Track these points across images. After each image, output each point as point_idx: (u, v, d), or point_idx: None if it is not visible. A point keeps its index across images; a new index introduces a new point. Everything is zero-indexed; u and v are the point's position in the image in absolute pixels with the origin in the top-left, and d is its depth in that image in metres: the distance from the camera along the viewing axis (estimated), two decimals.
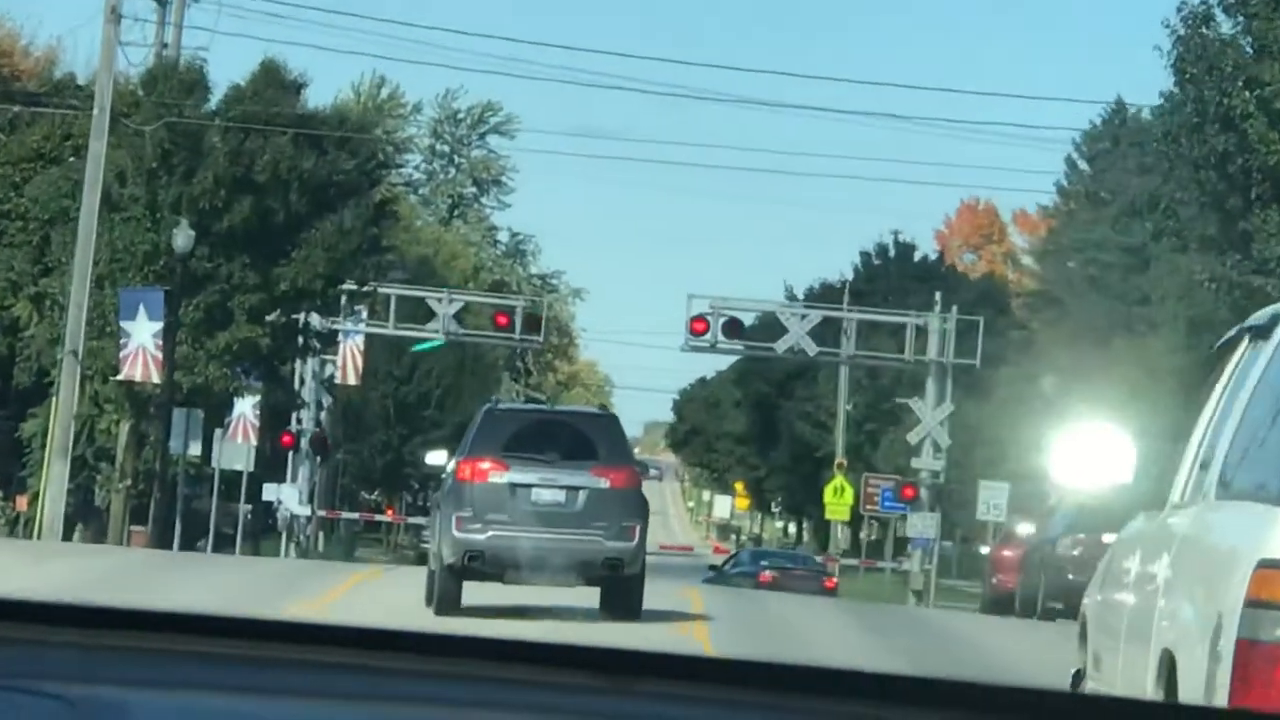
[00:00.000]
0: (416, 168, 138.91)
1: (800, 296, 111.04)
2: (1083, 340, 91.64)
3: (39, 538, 61.42)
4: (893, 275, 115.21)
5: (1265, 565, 7.97)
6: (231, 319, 66.47)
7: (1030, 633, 42.25)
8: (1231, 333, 10.88)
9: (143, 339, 61.19)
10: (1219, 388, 10.48)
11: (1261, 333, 9.97)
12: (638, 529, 31.63)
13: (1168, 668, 9.43)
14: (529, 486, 30.67)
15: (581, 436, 31.97)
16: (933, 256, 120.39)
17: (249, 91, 70.10)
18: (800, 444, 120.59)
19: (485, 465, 31.05)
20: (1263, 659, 8.10)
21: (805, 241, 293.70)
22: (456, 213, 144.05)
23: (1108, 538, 13.50)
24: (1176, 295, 73.73)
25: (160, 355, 61.61)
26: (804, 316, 77.84)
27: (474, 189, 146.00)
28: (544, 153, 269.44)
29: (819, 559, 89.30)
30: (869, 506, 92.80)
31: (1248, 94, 46.79)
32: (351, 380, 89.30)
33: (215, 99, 69.50)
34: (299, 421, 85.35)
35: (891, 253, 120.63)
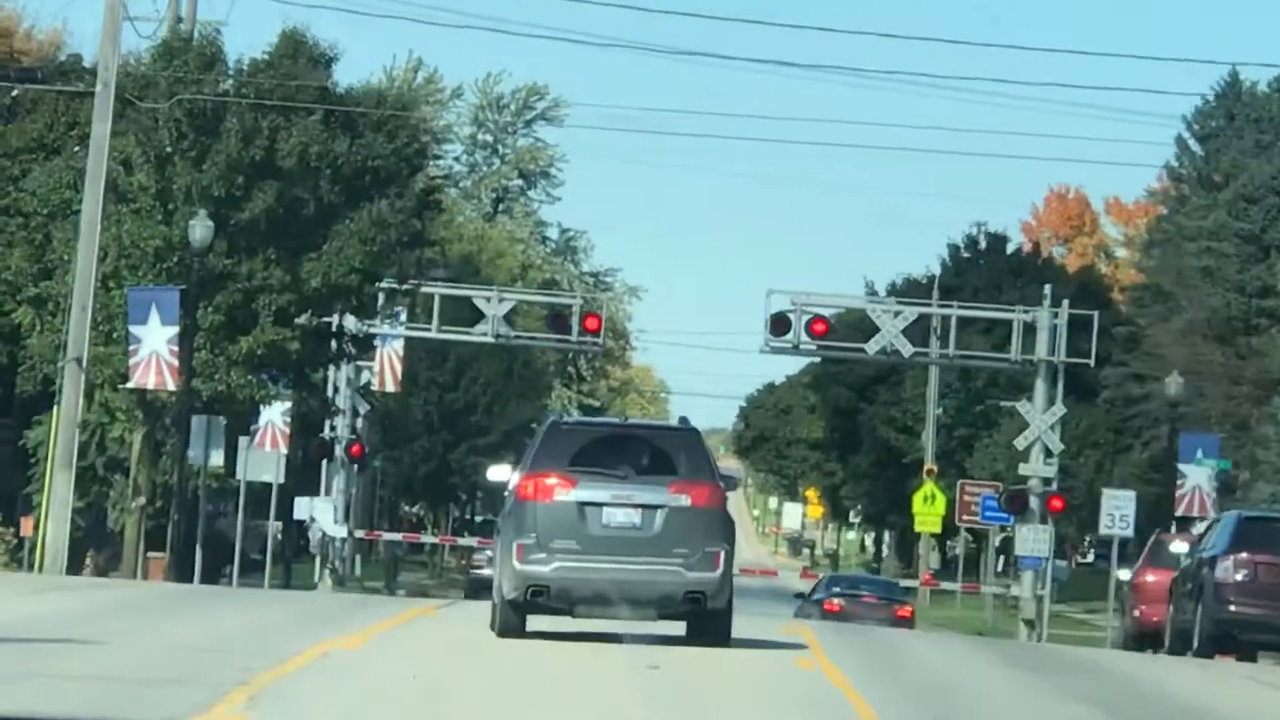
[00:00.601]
0: (457, 159, 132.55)
1: (881, 293, 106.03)
2: (1197, 336, 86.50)
3: (40, 569, 55.13)
4: (983, 269, 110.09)
5: None
6: (256, 321, 60.82)
7: (1225, 678, 34.46)
8: None
9: (155, 344, 55.23)
10: None
11: None
12: (723, 555, 28.43)
13: None
14: (600, 506, 27.80)
15: (658, 451, 29.01)
16: (1024, 249, 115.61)
17: (270, 64, 63.90)
18: (884, 449, 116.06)
19: (550, 481, 28.08)
20: None
21: (881, 232, 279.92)
22: (501, 207, 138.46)
23: None
24: None
25: (176, 362, 55.77)
26: (897, 314, 71.17)
27: (520, 181, 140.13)
28: (594, 129, 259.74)
29: (901, 584, 79.63)
30: (965, 517, 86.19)
31: None
32: (390, 387, 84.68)
33: (233, 75, 63.40)
34: (332, 429, 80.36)
35: (981, 244, 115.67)
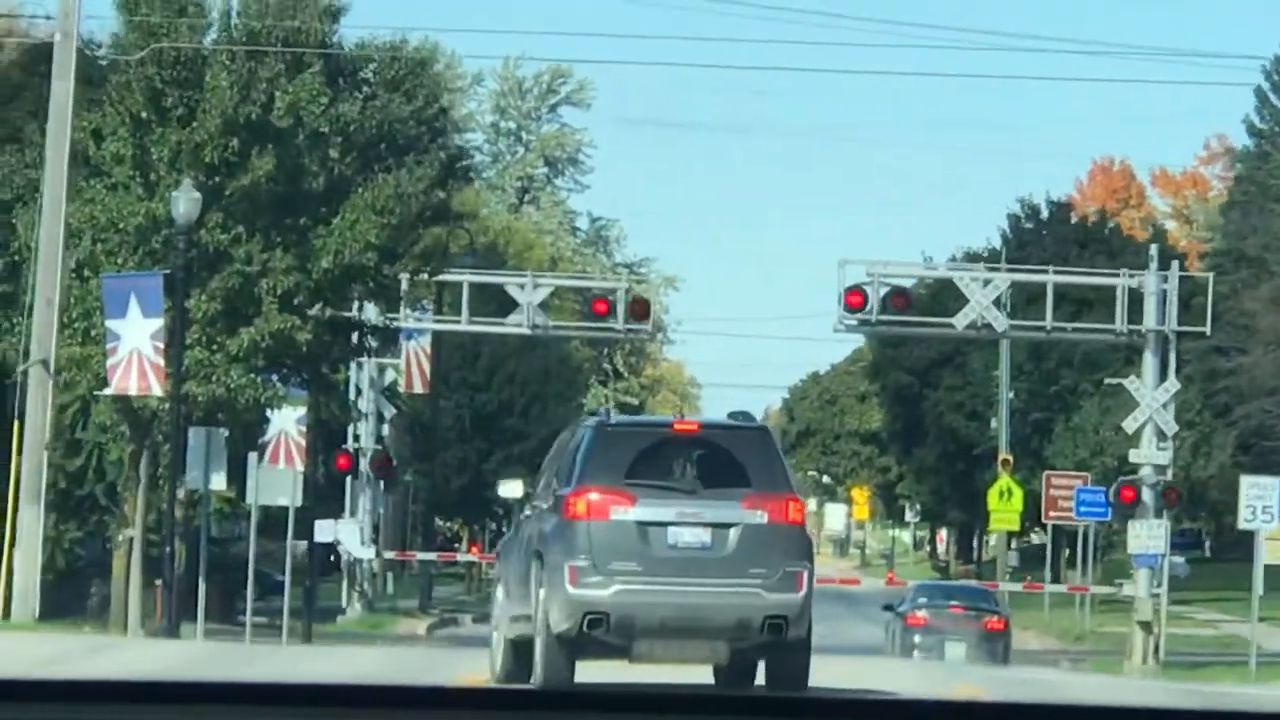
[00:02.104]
0: (479, 148, 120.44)
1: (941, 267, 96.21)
2: None
3: (7, 615, 46.24)
4: (1047, 240, 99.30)
5: None
6: (258, 309, 51.58)
7: None
8: None
9: (137, 340, 46.66)
10: None
11: None
12: (805, 576, 25.80)
13: None
14: (664, 525, 25.01)
15: (726, 456, 25.90)
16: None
17: (271, 18, 54.95)
18: (951, 439, 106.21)
19: (604, 498, 25.12)
20: None
21: (928, 203, 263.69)
22: (527, 197, 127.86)
23: None
24: None
25: (161, 361, 47.23)
26: (987, 283, 61.36)
27: (546, 169, 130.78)
28: (623, 122, 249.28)
29: (991, 590, 70.95)
30: (1054, 513, 76.56)
31: None
32: (418, 388, 75.83)
33: (218, 21, 53.66)
34: (356, 439, 72.39)
35: (1044, 214, 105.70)
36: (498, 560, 31.24)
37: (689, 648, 25.13)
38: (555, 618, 24.90)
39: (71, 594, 55.01)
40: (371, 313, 59.28)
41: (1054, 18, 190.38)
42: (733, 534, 25.02)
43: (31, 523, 45.27)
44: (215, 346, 50.98)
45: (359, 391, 70.62)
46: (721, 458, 25.88)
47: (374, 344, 62.64)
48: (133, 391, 47.36)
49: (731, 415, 29.07)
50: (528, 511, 28.76)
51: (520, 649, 27.03)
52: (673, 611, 24.77)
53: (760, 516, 25.13)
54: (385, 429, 78.44)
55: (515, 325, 65.67)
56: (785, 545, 25.50)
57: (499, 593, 29.24)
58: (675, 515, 24.97)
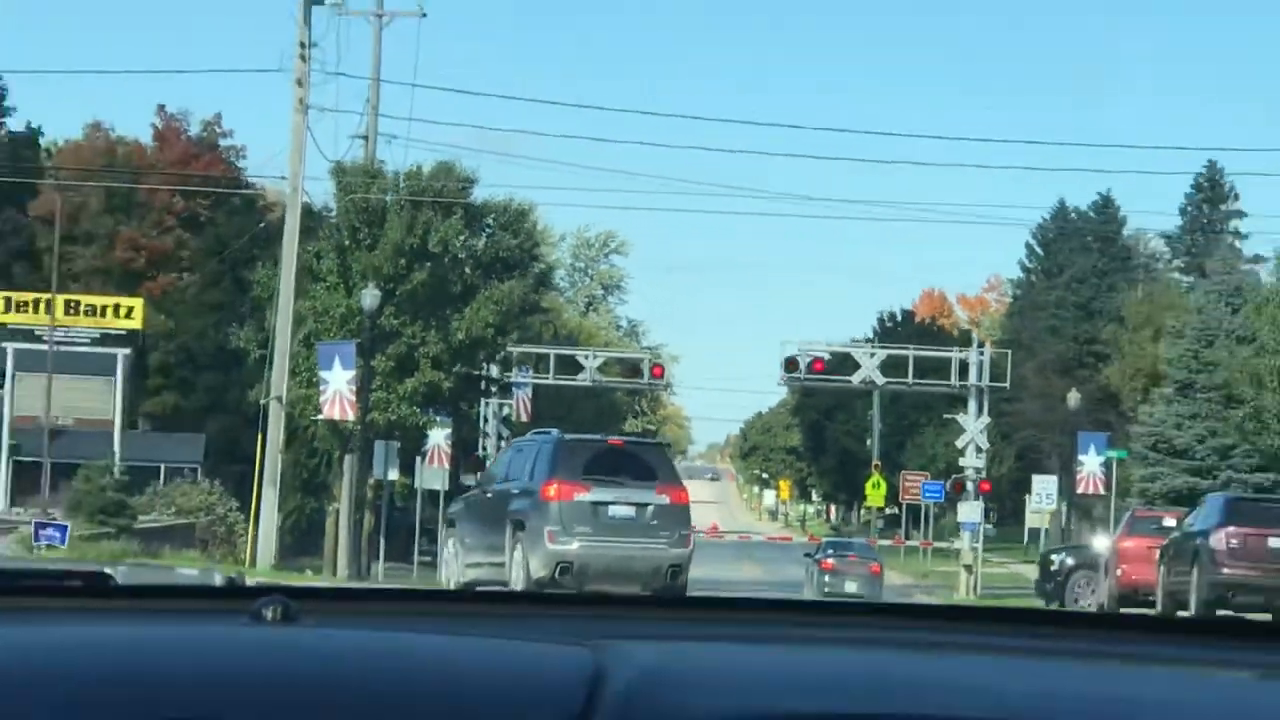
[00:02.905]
0: (561, 276, 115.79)
1: (858, 334, 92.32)
2: (1047, 371, 74.57)
3: (253, 564, 40.66)
4: (903, 331, 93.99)
5: None
6: (417, 367, 45.39)
7: None
8: None
9: (339, 385, 40.10)
10: None
11: None
12: (690, 538, 24.41)
13: None
14: (607, 504, 23.17)
15: (641, 461, 24.32)
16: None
17: (426, 182, 47.48)
18: (844, 452, 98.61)
19: (569, 487, 23.11)
20: None
21: (831, 307, 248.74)
22: (590, 308, 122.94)
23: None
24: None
25: (353, 398, 40.94)
26: (873, 355, 55.70)
27: (602, 291, 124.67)
28: (650, 264, 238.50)
29: (871, 545, 65.72)
30: (907, 496, 69.88)
31: None
32: (523, 418, 68.62)
33: (400, 185, 46.72)
34: (484, 449, 62.40)
35: (900, 316, 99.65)
36: (451, 525, 27.22)
37: (622, 585, 22.73)
38: (534, 566, 22.69)
39: (301, 548, 49.91)
40: (494, 371, 53.75)
41: (894, 186, 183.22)
42: (649, 510, 23.47)
43: (270, 499, 39.91)
44: (390, 390, 44.78)
45: (485, 420, 62.47)
46: (638, 462, 24.36)
47: (494, 390, 57.23)
48: (336, 418, 41.88)
49: (640, 438, 27.80)
50: (475, 494, 26.33)
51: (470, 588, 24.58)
52: (613, 561, 22.89)
53: (664, 499, 23.67)
54: (502, 444, 72.58)
55: (582, 380, 60.02)
56: (679, 518, 23.97)
57: (451, 547, 26.48)
58: (614, 497, 23.34)
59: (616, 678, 1.10)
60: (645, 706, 1.07)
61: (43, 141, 63.04)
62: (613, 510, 23.23)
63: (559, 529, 22.61)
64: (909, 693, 1.21)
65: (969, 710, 1.21)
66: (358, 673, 1.37)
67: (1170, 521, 32.33)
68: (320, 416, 42.48)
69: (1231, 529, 26.39)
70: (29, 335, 51.77)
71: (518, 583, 23.35)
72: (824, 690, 1.19)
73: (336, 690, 1.36)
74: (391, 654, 1.39)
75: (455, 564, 25.75)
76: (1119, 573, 33.76)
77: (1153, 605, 29.03)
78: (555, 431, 27.04)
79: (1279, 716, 1.41)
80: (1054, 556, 43.03)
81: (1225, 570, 25.96)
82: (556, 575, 22.65)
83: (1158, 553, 29.56)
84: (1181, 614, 26.21)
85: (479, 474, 29.37)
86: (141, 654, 1.48)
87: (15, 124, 59.97)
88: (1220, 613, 25.03)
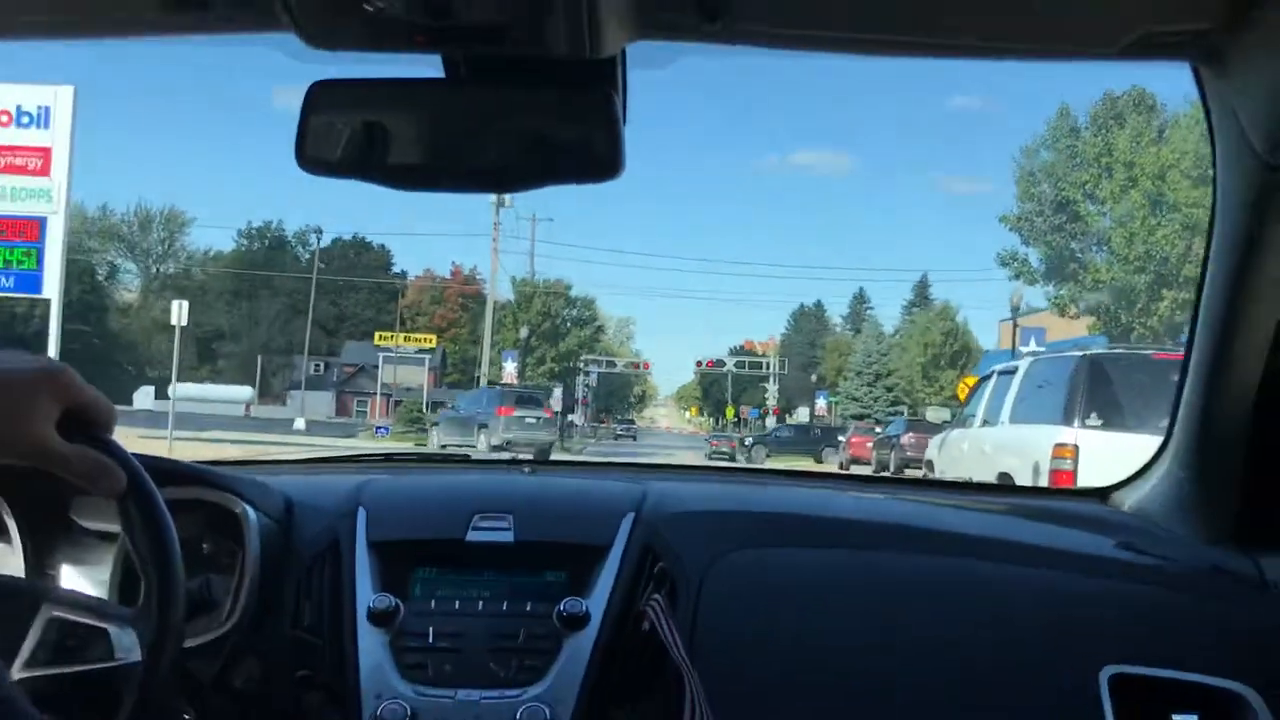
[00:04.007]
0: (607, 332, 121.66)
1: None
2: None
3: None
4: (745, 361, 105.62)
5: (1058, 444, 6.88)
6: (544, 362, 66.62)
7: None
8: (999, 367, 9.29)
9: (510, 370, 58.42)
10: (989, 389, 8.86)
11: (1008, 371, 8.70)
12: (558, 431, 30.02)
13: (1006, 478, 7.59)
14: (524, 418, 26.93)
15: (536, 399, 28.84)
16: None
17: (550, 285, 68.35)
18: (719, 400, 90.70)
19: (508, 408, 27.11)
20: (1059, 478, 6.86)
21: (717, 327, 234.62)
22: (620, 342, 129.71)
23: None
24: None
25: (516, 374, 57.59)
26: (733, 359, 73.10)
27: (623, 334, 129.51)
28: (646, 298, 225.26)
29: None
30: (744, 415, 72.70)
31: None
32: (592, 386, 75.97)
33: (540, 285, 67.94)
34: (577, 398, 71.03)
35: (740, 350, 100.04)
36: (435, 425, 29.97)
37: (526, 450, 22.38)
38: (493, 442, 25.16)
39: None
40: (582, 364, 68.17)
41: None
42: (539, 420, 26.30)
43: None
44: (529, 369, 61.00)
45: (577, 387, 71.77)
46: (535, 399, 27.72)
47: (580, 375, 70.23)
48: (506, 380, 60.03)
49: (536, 388, 33.81)
50: (450, 413, 29.01)
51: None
52: (526, 440, 24.74)
53: (544, 415, 26.79)
54: (589, 394, 77.87)
55: (612, 370, 71.43)
56: (551, 422, 27.22)
57: (438, 434, 28.28)
58: (528, 414, 26.18)
59: (652, 494, 1.50)
60: (663, 506, 1.47)
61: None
62: (528, 419, 26.32)
63: (503, 427, 25.78)
64: (841, 511, 1.56)
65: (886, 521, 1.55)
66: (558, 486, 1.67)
67: (876, 430, 39.56)
68: (501, 382, 67.01)
69: (910, 433, 33.34)
70: (389, 350, 66.45)
71: (481, 453, 22.44)
72: (773, 501, 1.59)
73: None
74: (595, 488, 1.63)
75: (439, 439, 28.20)
76: (848, 455, 45.64)
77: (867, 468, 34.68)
78: (499, 386, 31.33)
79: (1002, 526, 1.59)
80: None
81: (907, 453, 32.38)
82: (502, 446, 24.74)
83: (870, 443, 33.86)
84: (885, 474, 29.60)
85: (451, 403, 31.41)
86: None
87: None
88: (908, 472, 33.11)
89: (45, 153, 17.56)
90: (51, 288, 17.21)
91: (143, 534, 1.16)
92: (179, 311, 20.71)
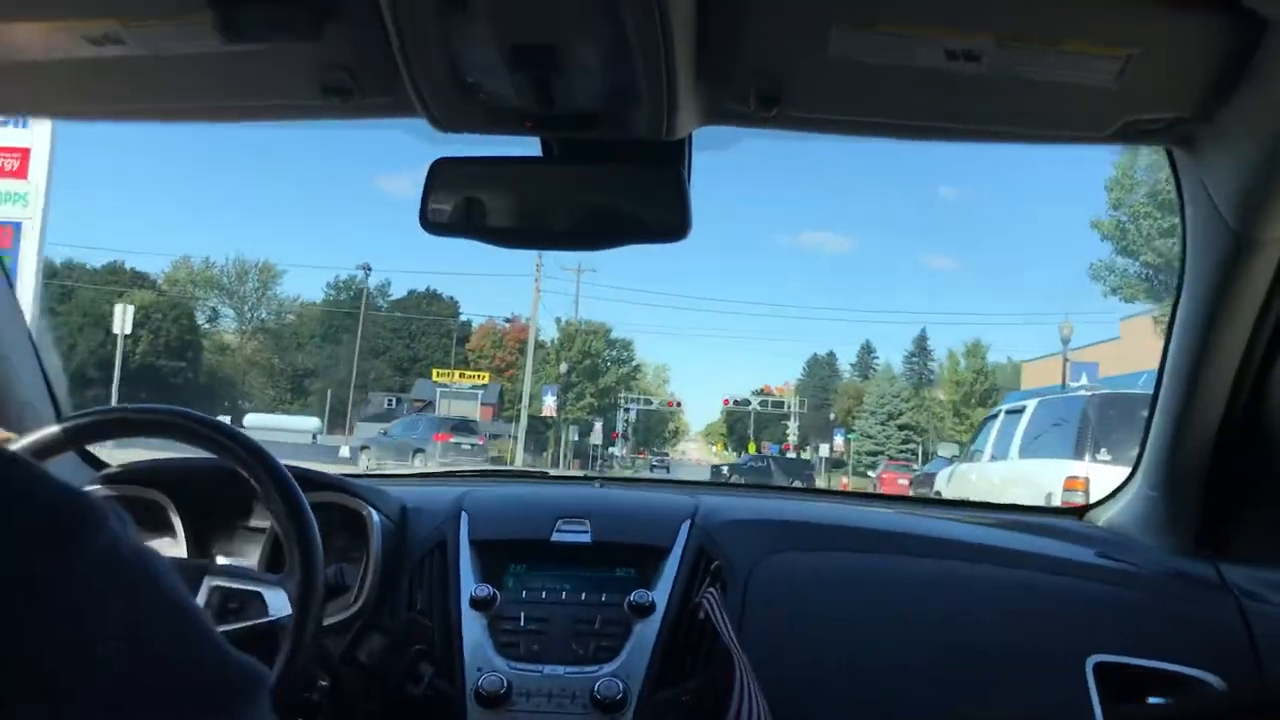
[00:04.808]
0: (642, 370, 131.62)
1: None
2: None
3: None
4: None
5: (1070, 477, 6.78)
6: (583, 396, 71.24)
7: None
8: (1005, 407, 9.24)
9: (550, 404, 63.56)
10: (996, 426, 8.88)
11: (1016, 410, 8.71)
12: (486, 457, 26.91)
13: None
14: (459, 443, 25.15)
15: (473, 426, 27.81)
16: None
17: (591, 325, 74.37)
18: (743, 436, 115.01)
19: (445, 435, 25.57)
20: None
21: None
22: (657, 386, 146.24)
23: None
24: None
25: (555, 407, 64.72)
26: (757, 398, 76.87)
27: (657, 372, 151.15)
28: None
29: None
30: (765, 449, 75.22)
31: None
32: (631, 421, 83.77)
33: (581, 325, 72.68)
34: (617, 429, 75.72)
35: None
36: (364, 448, 27.54)
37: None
38: (430, 468, 21.80)
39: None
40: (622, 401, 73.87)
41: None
42: (475, 445, 24.25)
43: (520, 445, 75.22)
44: (570, 404, 67.94)
45: (618, 421, 77.36)
46: (471, 427, 26.38)
47: (619, 409, 75.31)
48: (545, 414, 63.23)
49: (473, 420, 32.98)
50: (379, 437, 27.16)
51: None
52: (469, 452, 23.17)
53: (480, 442, 24.95)
54: (629, 429, 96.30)
55: (648, 407, 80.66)
56: (483, 447, 25.51)
57: (367, 458, 26.12)
58: (464, 441, 24.39)
59: (704, 505, 1.64)
60: (714, 515, 1.61)
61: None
62: (461, 445, 24.46)
63: (439, 453, 24.29)
64: (863, 522, 1.65)
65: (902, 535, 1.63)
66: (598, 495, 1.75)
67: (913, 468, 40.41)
68: (542, 413, 63.29)
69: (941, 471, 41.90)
70: (446, 386, 69.27)
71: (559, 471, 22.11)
72: (806, 513, 1.70)
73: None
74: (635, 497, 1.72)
75: (367, 463, 25.01)
76: (880, 489, 42.19)
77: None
78: (433, 415, 29.57)
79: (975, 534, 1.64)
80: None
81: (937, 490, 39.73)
82: (451, 457, 23.50)
83: (901, 479, 33.97)
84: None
85: (384, 430, 29.95)
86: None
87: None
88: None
89: (23, 153, 15.29)
90: (24, 300, 14.95)
91: (288, 520, 1.27)
92: (122, 317, 18.74)
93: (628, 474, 20.43)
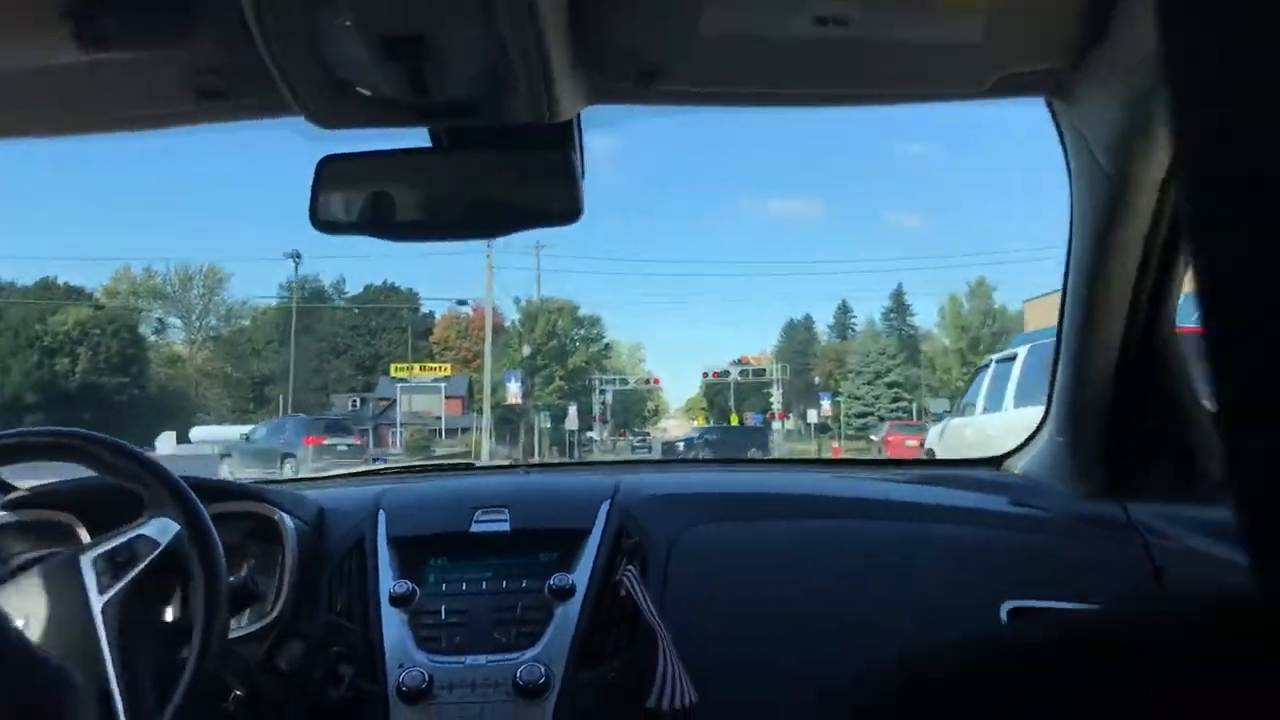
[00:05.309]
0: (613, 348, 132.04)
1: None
2: None
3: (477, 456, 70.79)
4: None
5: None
6: (552, 381, 69.07)
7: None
8: (995, 357, 8.97)
9: (514, 391, 58.01)
10: (988, 377, 8.70)
11: (1007, 359, 8.42)
12: (365, 460, 25.49)
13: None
14: (334, 445, 23.70)
15: (346, 427, 26.62)
16: None
17: (556, 305, 71.29)
18: (723, 406, 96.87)
19: (317, 438, 24.51)
20: None
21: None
22: (632, 364, 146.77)
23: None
24: None
25: (520, 394, 58.46)
26: (736, 368, 78.90)
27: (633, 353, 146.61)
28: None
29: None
30: (747, 419, 71.03)
31: None
32: (607, 404, 74.16)
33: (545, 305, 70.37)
34: (593, 412, 70.89)
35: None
36: (227, 456, 27.12)
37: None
38: (301, 473, 19.15)
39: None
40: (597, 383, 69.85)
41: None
42: (351, 445, 23.01)
43: (487, 436, 71.85)
44: (538, 389, 65.53)
45: (592, 404, 72.68)
46: (345, 426, 24.71)
47: (592, 392, 70.78)
48: (510, 402, 58.00)
49: (344, 416, 30.40)
50: (244, 444, 25.00)
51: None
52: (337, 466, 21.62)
53: (356, 442, 24.04)
54: (606, 411, 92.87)
55: (625, 387, 74.38)
56: (359, 448, 24.50)
57: (228, 466, 23.25)
58: (339, 442, 23.05)
59: (624, 484, 1.66)
60: (634, 493, 1.63)
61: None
62: (336, 447, 22.59)
63: (311, 457, 22.08)
64: (786, 488, 1.68)
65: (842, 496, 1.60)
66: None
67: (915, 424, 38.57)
68: (507, 401, 59.14)
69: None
70: (406, 381, 68.36)
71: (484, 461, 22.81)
72: (729, 483, 1.68)
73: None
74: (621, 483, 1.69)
75: (230, 471, 22.65)
76: (887, 453, 37.83)
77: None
78: (302, 415, 28.21)
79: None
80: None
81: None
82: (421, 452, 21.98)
83: (911, 440, 31.80)
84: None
85: (245, 435, 27.53)
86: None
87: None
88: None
89: None
90: None
91: (186, 530, 1.26)
92: None
93: (608, 458, 20.03)
